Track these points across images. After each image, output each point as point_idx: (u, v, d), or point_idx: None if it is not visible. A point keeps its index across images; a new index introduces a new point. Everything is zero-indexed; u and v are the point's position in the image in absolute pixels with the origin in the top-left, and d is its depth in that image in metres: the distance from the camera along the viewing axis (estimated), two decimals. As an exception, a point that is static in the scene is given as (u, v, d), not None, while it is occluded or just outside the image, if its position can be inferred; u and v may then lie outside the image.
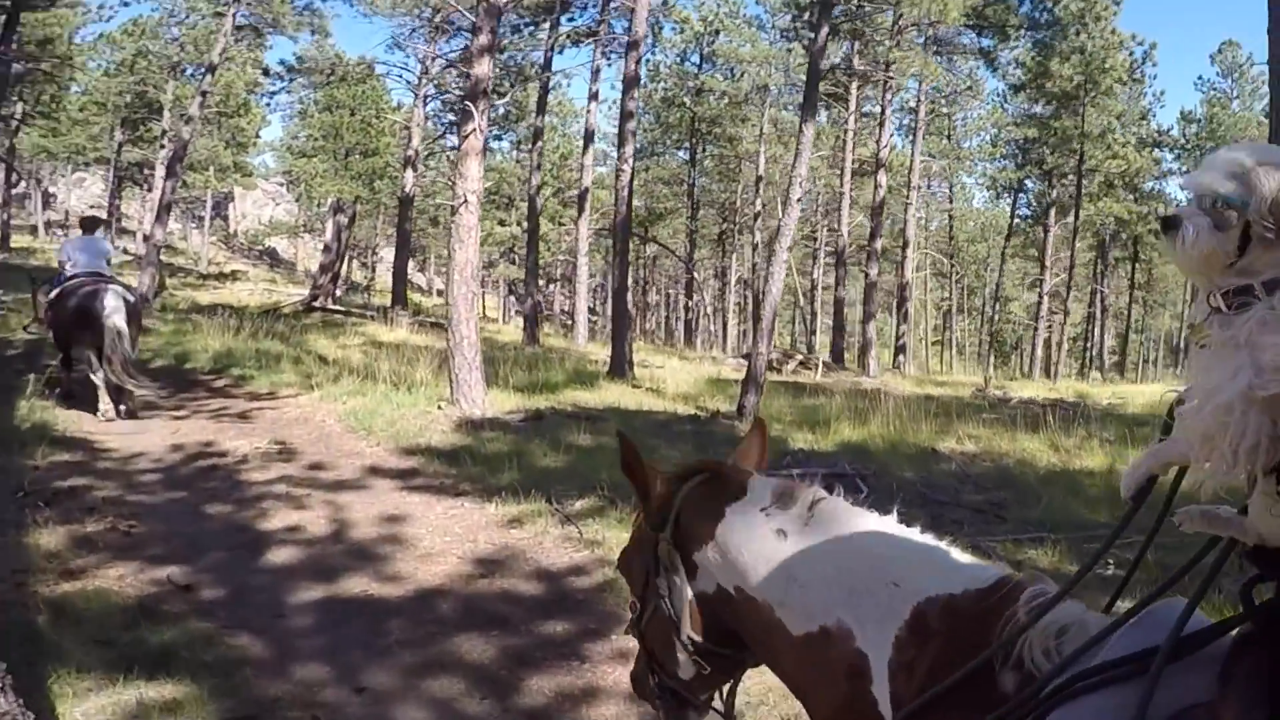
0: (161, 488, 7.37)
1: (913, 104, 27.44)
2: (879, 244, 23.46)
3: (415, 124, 26.24)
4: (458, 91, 29.39)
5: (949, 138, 33.74)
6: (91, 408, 9.78)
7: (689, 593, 1.83)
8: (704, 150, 35.57)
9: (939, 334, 49.23)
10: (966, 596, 1.48)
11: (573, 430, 9.44)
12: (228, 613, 4.80)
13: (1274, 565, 1.17)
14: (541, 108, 21.50)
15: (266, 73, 28.91)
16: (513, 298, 43.53)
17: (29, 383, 10.05)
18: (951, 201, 40.18)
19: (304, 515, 6.65)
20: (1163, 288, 46.60)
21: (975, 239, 47.31)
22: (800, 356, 19.75)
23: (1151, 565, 2.92)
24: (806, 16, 24.94)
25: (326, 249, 22.95)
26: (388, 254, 50.21)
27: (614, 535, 5.92)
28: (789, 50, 28.75)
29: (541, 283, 57.94)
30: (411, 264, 57.97)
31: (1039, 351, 31.05)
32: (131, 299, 10.25)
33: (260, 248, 50.86)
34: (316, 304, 22.18)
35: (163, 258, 23.38)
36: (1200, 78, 43.46)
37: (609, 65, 24.17)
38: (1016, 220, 34.10)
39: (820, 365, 19.24)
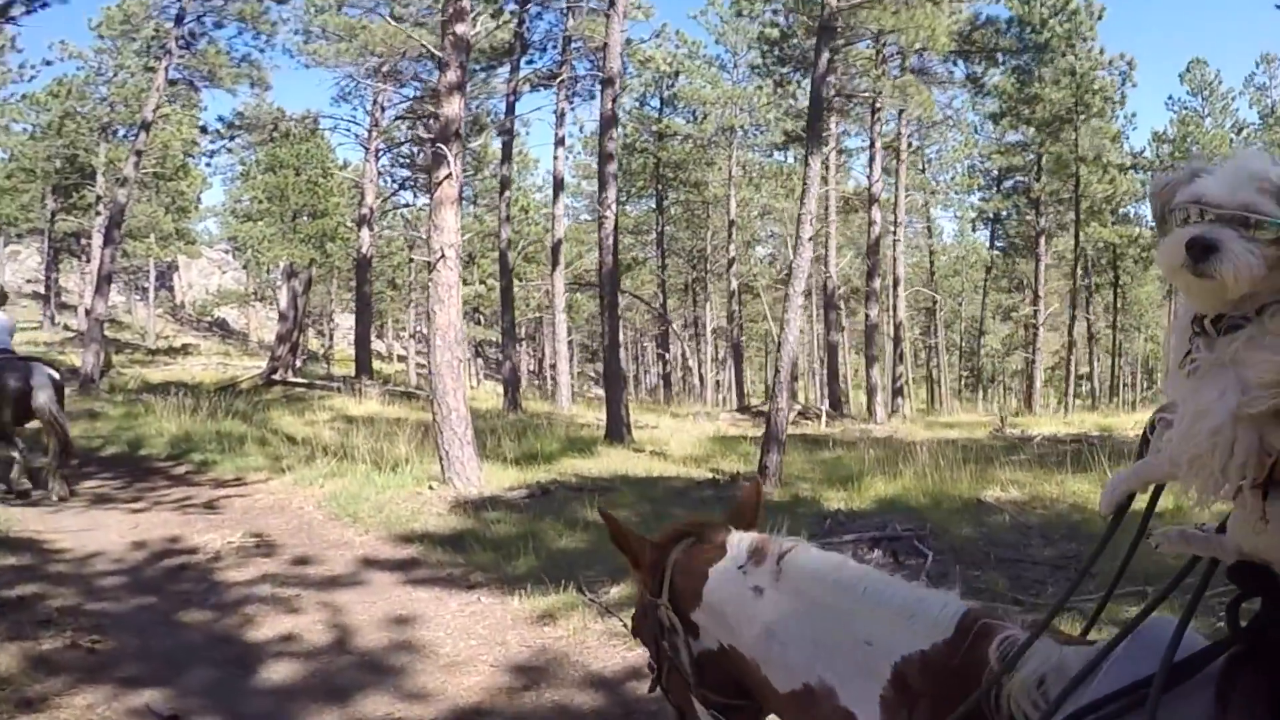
0: (126, 593, 6.62)
1: (890, 137, 27.41)
2: (877, 283, 23.20)
3: (368, 180, 25.75)
4: (409, 146, 29.10)
5: (923, 171, 33.95)
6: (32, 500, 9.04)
7: (695, 651, 1.92)
8: (669, 197, 35.44)
9: (922, 372, 49.22)
10: (936, 651, 1.52)
11: (584, 505, 8.80)
12: (228, 755, 4.09)
13: (1257, 581, 1.18)
14: (507, 155, 21.10)
15: (204, 130, 28.22)
16: (480, 360, 42.75)
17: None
18: (930, 235, 40.34)
19: (298, 620, 5.95)
20: (1137, 310, 47.08)
21: (949, 273, 47.59)
22: (799, 406, 19.26)
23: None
24: (777, 52, 24.98)
25: (282, 317, 22.19)
26: (344, 320, 49.40)
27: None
28: (759, 88, 28.75)
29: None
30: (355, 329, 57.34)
31: (1037, 384, 30.87)
32: (57, 377, 9.77)
33: (210, 319, 49.73)
34: (276, 377, 21.36)
35: (107, 333, 22.52)
36: (1171, 97, 44.54)
37: (573, 109, 23.93)
38: (996, 251, 34.19)
39: (824, 414, 18.77)
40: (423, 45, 13.47)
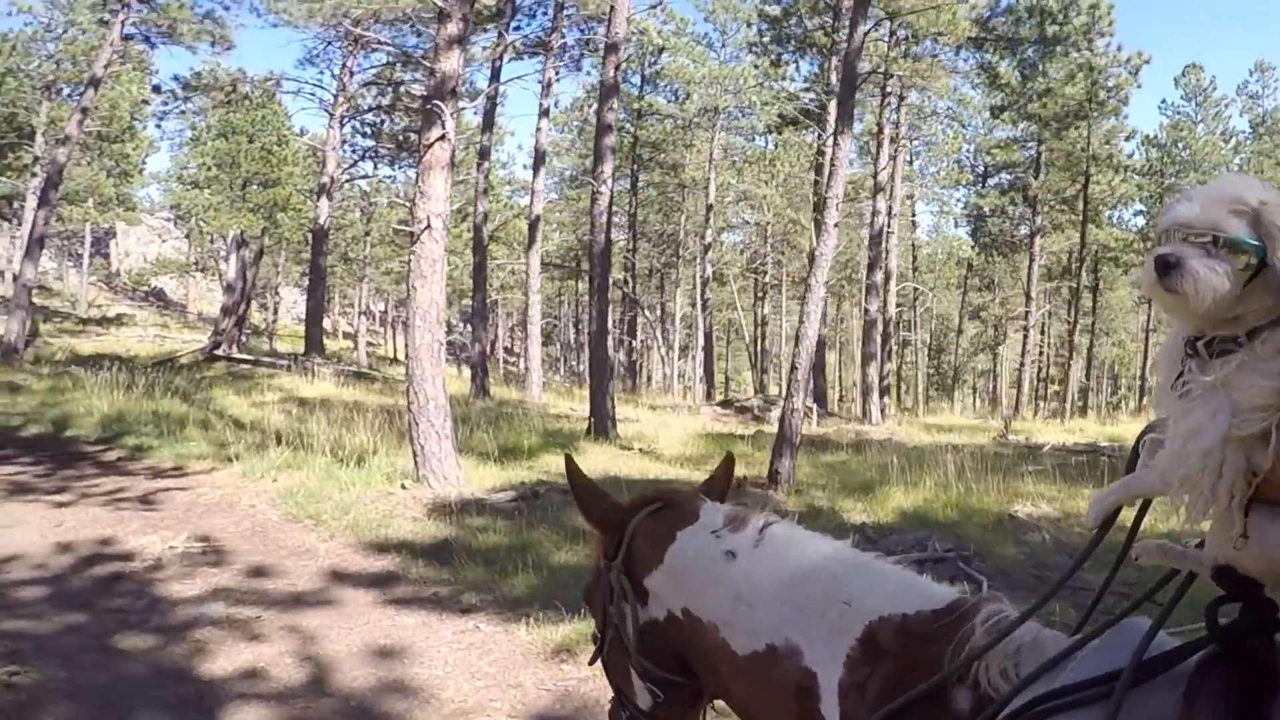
0: (51, 609, 5.75)
1: (884, 127, 26.72)
2: (879, 276, 22.53)
3: (330, 147, 24.58)
4: (376, 114, 27.93)
5: (911, 163, 33.42)
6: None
7: (640, 619, 1.89)
8: (643, 178, 34.59)
9: (890, 368, 49.10)
10: (920, 617, 1.51)
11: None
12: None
13: (1239, 586, 1.21)
14: (489, 123, 20.10)
15: (157, 90, 26.71)
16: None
17: None
18: (915, 230, 39.95)
19: (261, 650, 5.13)
20: (1108, 315, 47.37)
21: (923, 269, 47.40)
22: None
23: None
24: (777, 30, 24.23)
25: (229, 288, 20.98)
26: (288, 294, 47.92)
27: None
28: (755, 65, 27.88)
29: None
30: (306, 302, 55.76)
31: (1025, 387, 30.60)
32: None
33: (146, 288, 47.84)
34: (219, 352, 20.20)
35: (35, 300, 21.17)
36: (1164, 100, 44.56)
37: (559, 79, 22.97)
38: (977, 249, 33.84)
39: (814, 413, 18.12)
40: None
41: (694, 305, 39.24)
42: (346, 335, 46.33)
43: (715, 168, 31.18)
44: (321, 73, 26.35)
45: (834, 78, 24.07)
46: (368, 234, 37.98)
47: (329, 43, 25.64)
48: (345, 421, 12.59)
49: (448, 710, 4.39)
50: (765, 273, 37.56)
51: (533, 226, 21.24)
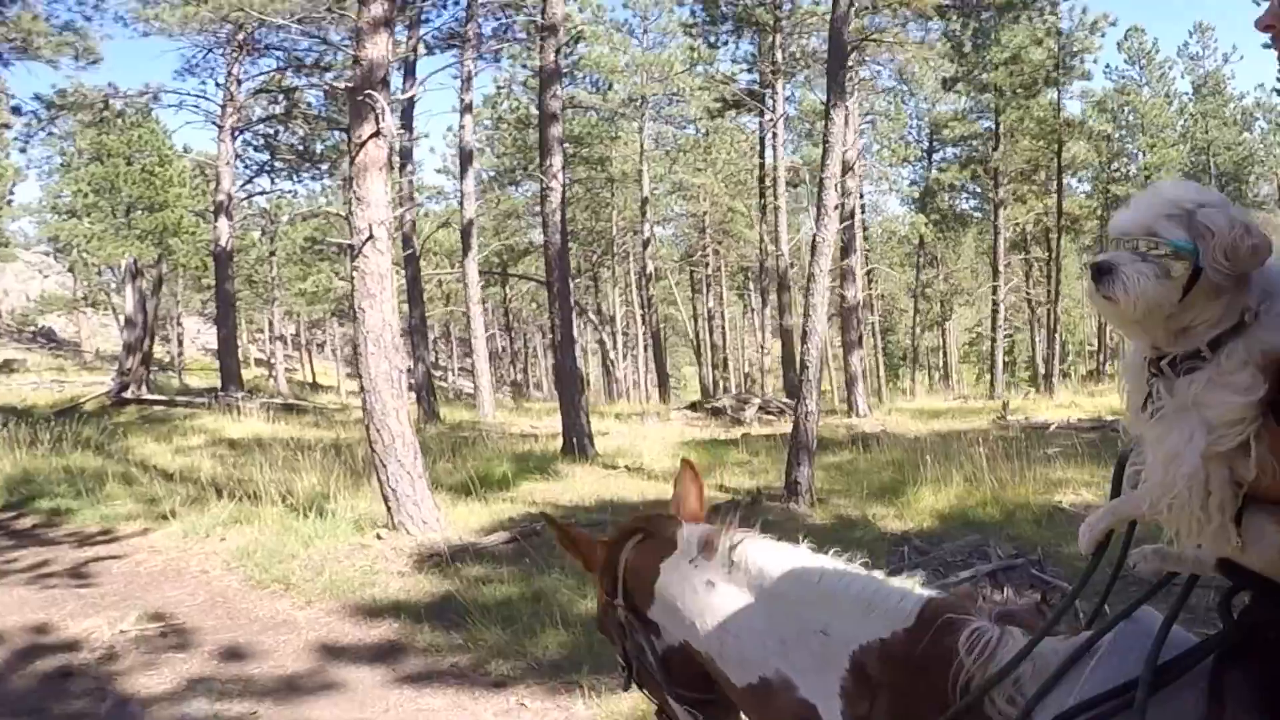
0: (-12, 723, 4.93)
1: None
2: (854, 260, 22.14)
3: (224, 162, 23.28)
4: (268, 125, 26.70)
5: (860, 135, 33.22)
6: None
7: (659, 649, 1.93)
8: (568, 175, 33.82)
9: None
10: (896, 639, 1.56)
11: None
12: None
13: (1248, 576, 1.22)
14: (408, 124, 19.16)
15: (17, 112, 24.92)
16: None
17: None
18: (864, 210, 39.81)
19: (266, 761, 4.36)
20: (1067, 285, 48.37)
21: (872, 250, 47.56)
22: (757, 400, 18.10)
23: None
24: (711, 10, 23.72)
25: (129, 323, 19.64)
26: (190, 324, 46.02)
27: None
28: (691, 49, 27.28)
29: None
30: (215, 331, 53.70)
31: (999, 365, 30.64)
32: None
33: (33, 329, 45.36)
34: (128, 394, 18.89)
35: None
36: (1109, 66, 45.44)
37: (477, 73, 22.10)
38: (931, 225, 33.84)
39: (797, 409, 17.56)
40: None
41: (629, 305, 38.73)
42: (259, 363, 44.61)
43: (647, 159, 30.63)
44: (204, 82, 24.99)
45: (779, 55, 23.76)
46: (272, 254, 36.51)
47: (209, 50, 24.31)
48: (288, 463, 11.70)
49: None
50: (706, 265, 37.12)
51: (466, 232, 20.39)
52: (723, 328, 40.90)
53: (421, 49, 20.08)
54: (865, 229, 38.24)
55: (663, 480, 10.89)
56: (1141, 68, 33.15)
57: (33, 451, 12.90)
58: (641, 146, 30.53)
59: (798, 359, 10.12)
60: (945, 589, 2.02)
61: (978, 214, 36.45)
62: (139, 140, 35.05)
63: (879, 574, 1.76)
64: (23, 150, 28.95)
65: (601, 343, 35.87)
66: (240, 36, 23.59)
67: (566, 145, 32.72)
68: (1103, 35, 27.98)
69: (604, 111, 31.41)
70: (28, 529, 9.72)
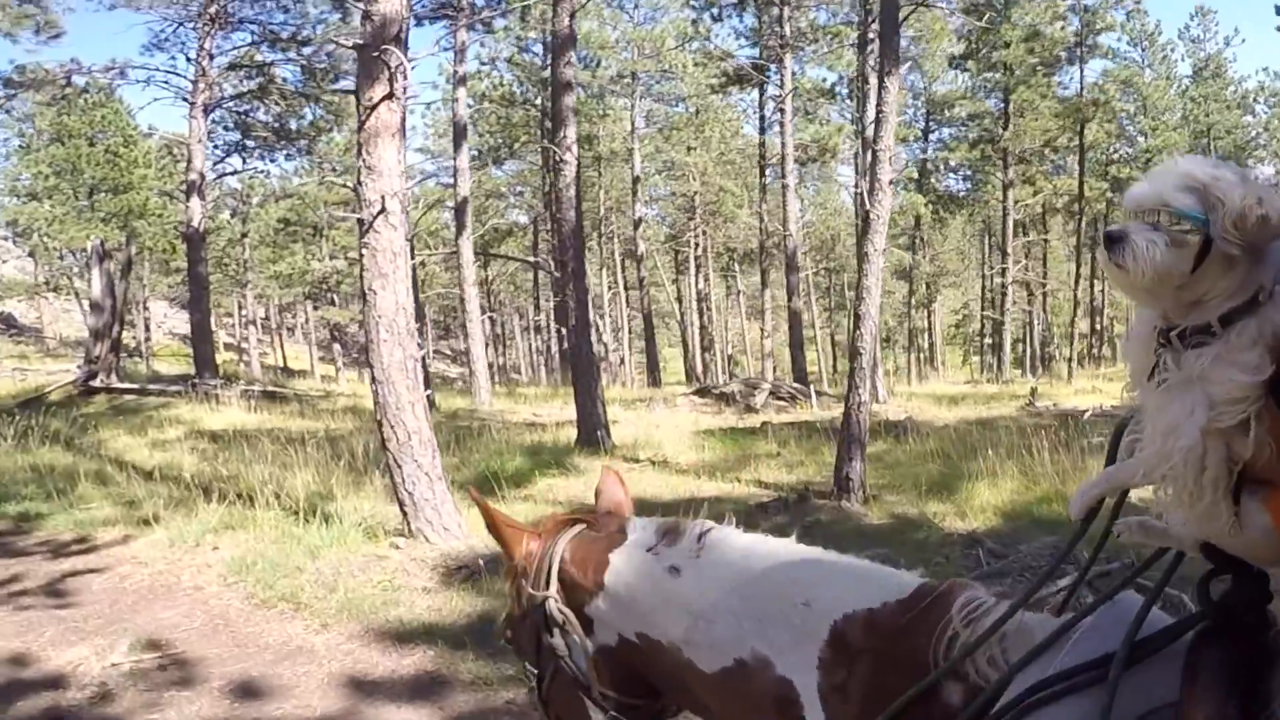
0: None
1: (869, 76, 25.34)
2: (878, 241, 21.27)
3: (195, 140, 22.23)
4: (241, 103, 25.66)
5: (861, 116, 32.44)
6: None
7: (590, 648, 1.85)
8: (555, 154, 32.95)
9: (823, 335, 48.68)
10: (887, 609, 1.52)
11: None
12: None
13: (1228, 559, 1.26)
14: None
15: (-25, 89, 23.80)
16: (338, 346, 39.17)
17: None
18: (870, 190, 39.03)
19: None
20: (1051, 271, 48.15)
21: (846, 233, 47.04)
22: (767, 385, 17.40)
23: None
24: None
25: (96, 308, 18.66)
26: (157, 308, 44.81)
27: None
28: (694, 24, 26.31)
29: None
30: (185, 316, 52.41)
31: (1006, 349, 30.19)
32: None
33: (-7, 315, 43.99)
34: (96, 383, 17.95)
35: None
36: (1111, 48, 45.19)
37: (469, 44, 21.11)
38: (930, 205, 33.20)
39: (812, 395, 16.91)
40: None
41: (615, 286, 37.97)
42: (228, 347, 43.49)
43: (638, 137, 29.79)
44: (174, 58, 23.85)
45: (786, 28, 22.93)
46: (244, 236, 35.41)
47: (179, 24, 23.26)
48: (278, 458, 10.92)
49: None
50: (696, 245, 36.37)
51: (460, 210, 19.52)
52: (709, 310, 40.28)
53: (410, 20, 19.06)
54: (868, 210, 37.66)
55: (693, 476, 10.23)
56: (1144, 50, 32.65)
57: (-4, 448, 12.07)
58: (633, 124, 29.70)
59: (849, 343, 9.50)
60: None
61: (973, 195, 35.93)
62: (102, 120, 34.08)
63: (869, 561, 1.72)
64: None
65: (598, 326, 34.98)
66: (212, 9, 22.58)
67: (549, 124, 31.93)
68: (1126, 13, 27.42)
69: (592, 88, 30.53)
70: (-6, 536, 8.91)
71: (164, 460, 11.79)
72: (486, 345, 48.61)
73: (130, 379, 19.92)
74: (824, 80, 27.11)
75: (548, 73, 31.31)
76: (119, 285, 19.37)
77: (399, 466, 7.34)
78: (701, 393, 17.77)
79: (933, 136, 33.50)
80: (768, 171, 26.53)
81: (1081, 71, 28.27)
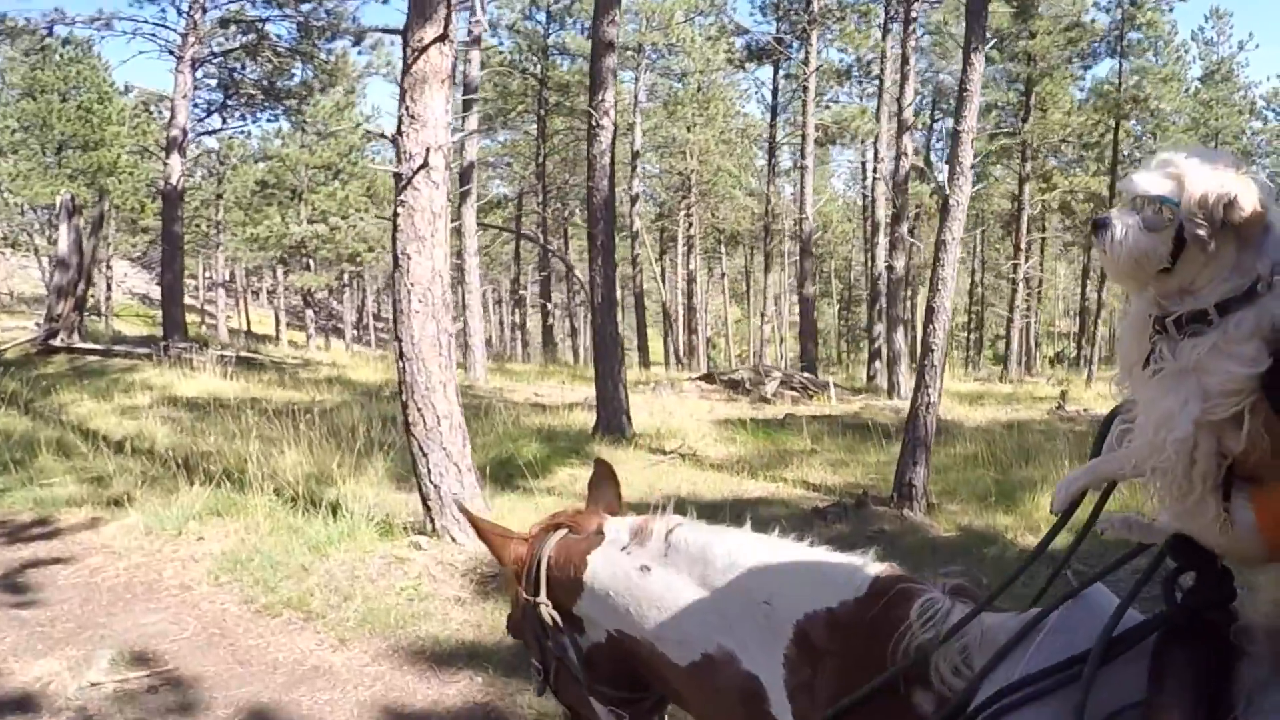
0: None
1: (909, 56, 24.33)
2: (904, 228, 20.42)
3: (180, 95, 21.02)
4: (230, 60, 24.48)
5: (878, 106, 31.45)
6: None
7: (583, 646, 1.95)
8: (550, 125, 31.86)
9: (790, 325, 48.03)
10: (845, 609, 1.56)
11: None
12: None
13: (1193, 558, 1.26)
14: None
15: (-53, 37, 22.42)
16: (311, 312, 37.92)
17: None
18: (864, 176, 37.98)
19: None
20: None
21: (842, 219, 46.39)
22: (778, 375, 16.53)
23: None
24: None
25: (62, 265, 17.48)
26: (119, 268, 43.37)
27: None
28: None
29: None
30: (147, 276, 50.85)
31: (1014, 345, 29.58)
32: None
33: (-57, 268, 42.26)
34: (57, 342, 16.81)
35: None
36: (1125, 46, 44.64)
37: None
38: (932, 197, 32.43)
39: (831, 387, 16.03)
40: None
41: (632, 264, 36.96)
42: (189, 309, 42.16)
43: (641, 112, 28.80)
44: (164, 10, 22.61)
45: (814, 4, 21.99)
46: (219, 196, 34.10)
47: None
48: (262, 433, 9.93)
49: None
50: (689, 225, 35.44)
51: (465, 175, 18.45)
52: (696, 292, 39.45)
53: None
54: (872, 199, 36.88)
55: (729, 472, 9.38)
56: (1157, 52, 32.05)
57: (-56, 410, 10.99)
58: (635, 98, 28.70)
59: (920, 338, 8.77)
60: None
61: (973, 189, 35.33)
62: (77, 76, 33.14)
63: (824, 549, 1.72)
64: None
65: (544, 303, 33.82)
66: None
67: (547, 94, 30.85)
68: (1170, 9, 26.76)
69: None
70: (-60, 514, 7.90)
71: (133, 430, 10.77)
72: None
73: (93, 339, 18.76)
74: (842, 60, 26.04)
75: (550, 39, 30.56)
76: (87, 242, 18.20)
77: (425, 455, 6.44)
78: (708, 379, 16.93)
79: (938, 126, 32.78)
80: (778, 152, 25.62)
81: (1120, 66, 27.56)
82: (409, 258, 6.38)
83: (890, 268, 19.67)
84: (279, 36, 23.33)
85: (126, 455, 9.40)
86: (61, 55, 32.64)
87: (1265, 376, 1.10)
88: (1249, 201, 1.11)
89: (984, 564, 6.56)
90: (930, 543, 7.16)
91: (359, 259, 34.68)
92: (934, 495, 8.15)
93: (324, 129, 31.31)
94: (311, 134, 32.39)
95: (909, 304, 31.83)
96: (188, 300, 46.51)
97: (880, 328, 21.38)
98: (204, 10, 21.60)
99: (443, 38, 6.40)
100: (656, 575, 1.79)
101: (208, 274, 48.55)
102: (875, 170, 22.81)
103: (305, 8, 21.55)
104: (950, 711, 1.35)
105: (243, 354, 18.45)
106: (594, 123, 11.46)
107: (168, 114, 28.32)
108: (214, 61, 23.84)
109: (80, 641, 5.09)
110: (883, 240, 22.51)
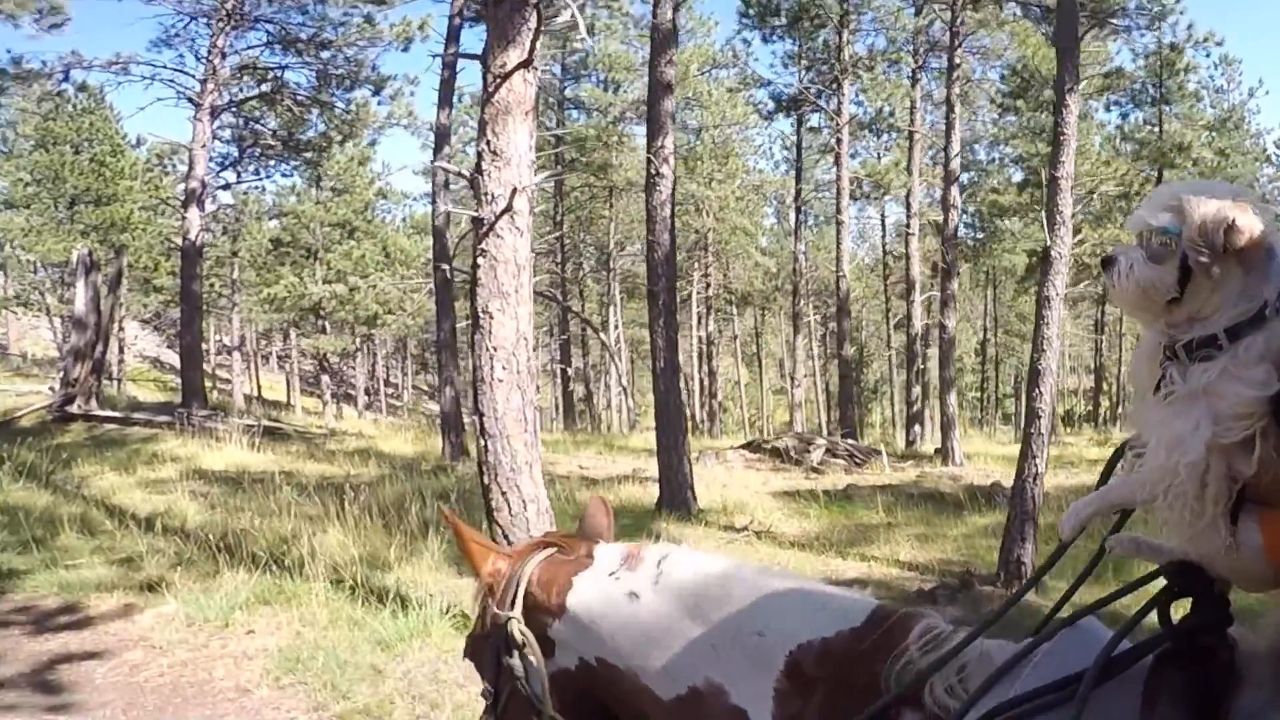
0: None
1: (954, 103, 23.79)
2: (954, 286, 19.95)
3: (199, 145, 20.64)
4: (247, 108, 24.16)
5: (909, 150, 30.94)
6: None
7: (545, 672, 1.85)
8: (568, 181, 31.50)
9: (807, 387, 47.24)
10: (841, 638, 1.52)
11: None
12: None
13: (1190, 583, 1.26)
14: (445, 99, 16.52)
15: (-37, 80, 22.04)
16: (326, 377, 37.25)
17: None
18: (884, 232, 37.47)
19: None
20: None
21: (855, 277, 45.87)
22: (823, 443, 15.83)
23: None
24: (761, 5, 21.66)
25: (79, 325, 16.90)
26: (131, 329, 42.80)
27: None
28: (746, 42, 24.94)
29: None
30: (158, 339, 50.29)
31: (1051, 404, 28.76)
32: None
33: (-48, 328, 41.70)
34: (74, 409, 16.14)
35: None
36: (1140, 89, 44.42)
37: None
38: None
39: (884, 455, 15.30)
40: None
41: (618, 324, 36.40)
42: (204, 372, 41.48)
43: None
44: (181, 55, 22.34)
45: (845, 52, 21.69)
46: (235, 254, 33.63)
47: (193, 18, 21.79)
48: (300, 510, 9.26)
49: None
50: (707, 285, 34.91)
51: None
52: (714, 354, 38.83)
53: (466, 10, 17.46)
54: (888, 256, 36.37)
55: (812, 551, 8.68)
56: (1170, 102, 31.81)
57: (-39, 483, 10.29)
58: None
59: (1025, 402, 8.16)
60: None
61: (984, 244, 34.93)
62: (90, 128, 32.88)
63: (819, 581, 1.72)
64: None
65: (617, 368, 33.08)
66: (228, 4, 21.11)
67: (563, 150, 30.55)
68: (1207, 55, 26.46)
69: (610, 113, 29.19)
70: (-39, 601, 7.18)
71: (161, 506, 10.08)
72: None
73: (110, 405, 18.11)
74: (870, 111, 25.59)
75: (567, 93, 30.29)
76: (105, 301, 17.63)
77: (505, 539, 5.75)
78: (751, 447, 16.22)
79: (964, 176, 32.33)
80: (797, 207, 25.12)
81: (1160, 114, 27.19)
82: (490, 316, 5.75)
83: (942, 326, 19.01)
84: (298, 84, 23.03)
85: (156, 534, 8.69)
86: (74, 105, 32.31)
87: (1275, 399, 1.10)
88: (1247, 225, 1.11)
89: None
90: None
91: (378, 320, 34.07)
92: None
93: (338, 185, 30.97)
94: (326, 190, 32.04)
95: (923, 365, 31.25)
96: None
97: (917, 390, 20.68)
98: (223, 56, 21.29)
99: (527, 63, 5.86)
100: (646, 602, 1.72)
101: (218, 336, 48.04)
102: (908, 225, 22.33)
103: (324, 55, 21.21)
104: None
105: (265, 423, 17.76)
106: (653, 171, 10.95)
107: (182, 167, 28.08)
108: (232, 110, 23.47)
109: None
110: (918, 298, 21.96)
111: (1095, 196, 25.92)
